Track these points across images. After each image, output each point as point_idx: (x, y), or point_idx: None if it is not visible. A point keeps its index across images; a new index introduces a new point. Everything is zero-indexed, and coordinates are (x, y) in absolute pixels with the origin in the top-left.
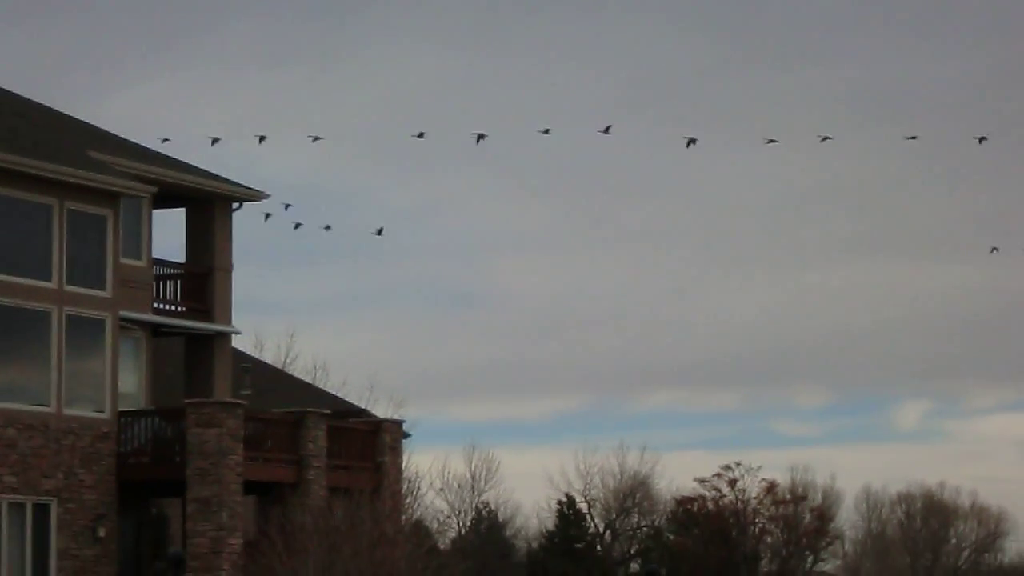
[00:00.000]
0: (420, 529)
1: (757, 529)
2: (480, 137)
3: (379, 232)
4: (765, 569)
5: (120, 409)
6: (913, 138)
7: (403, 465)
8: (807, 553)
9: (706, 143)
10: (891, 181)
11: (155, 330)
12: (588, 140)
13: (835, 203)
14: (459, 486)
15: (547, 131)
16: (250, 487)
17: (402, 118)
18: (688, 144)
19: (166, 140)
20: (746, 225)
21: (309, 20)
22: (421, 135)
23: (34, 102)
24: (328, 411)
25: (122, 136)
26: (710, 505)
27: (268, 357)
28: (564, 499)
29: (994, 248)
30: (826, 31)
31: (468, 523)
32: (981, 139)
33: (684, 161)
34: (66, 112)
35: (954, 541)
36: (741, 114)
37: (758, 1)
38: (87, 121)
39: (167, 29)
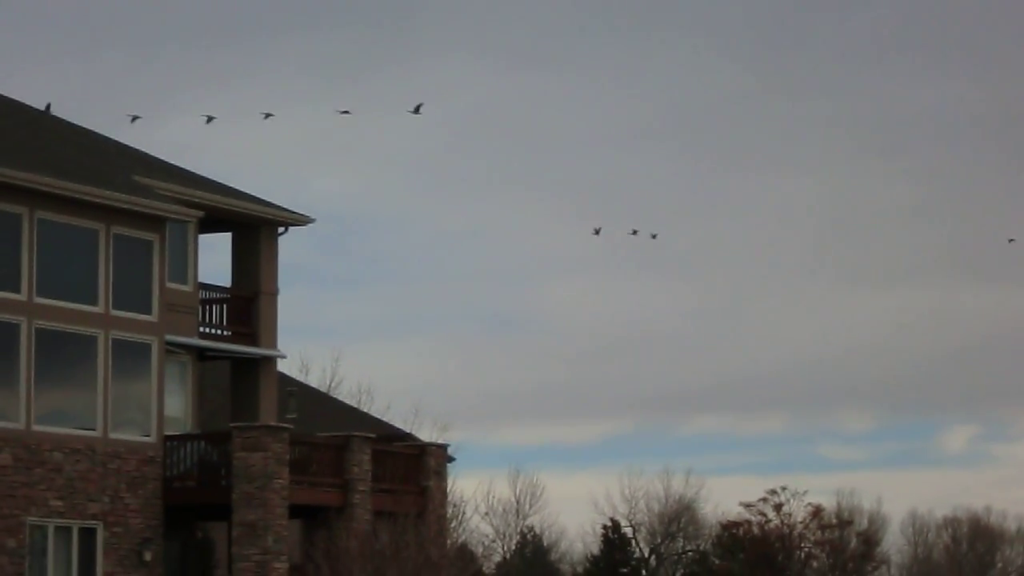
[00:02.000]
0: (465, 553)
1: (803, 554)
2: (417, 108)
3: (417, 109)
4: None
5: (166, 433)
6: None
7: (448, 489)
8: None
9: (761, 163)
10: (949, 203)
11: (201, 354)
12: (634, 161)
13: (895, 226)
14: (504, 510)
15: (417, 108)
16: (295, 511)
17: (451, 141)
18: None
19: (136, 117)
20: (794, 248)
21: (358, 43)
22: (346, 112)
23: (80, 127)
24: (373, 435)
25: (169, 161)
26: (755, 530)
27: (313, 381)
28: (609, 523)
29: (1011, 239)
30: (893, 50)
31: (513, 547)
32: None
33: (735, 184)
34: (113, 137)
35: (1000, 565)
36: (802, 134)
37: (802, 33)
38: (136, 147)
39: (218, 56)
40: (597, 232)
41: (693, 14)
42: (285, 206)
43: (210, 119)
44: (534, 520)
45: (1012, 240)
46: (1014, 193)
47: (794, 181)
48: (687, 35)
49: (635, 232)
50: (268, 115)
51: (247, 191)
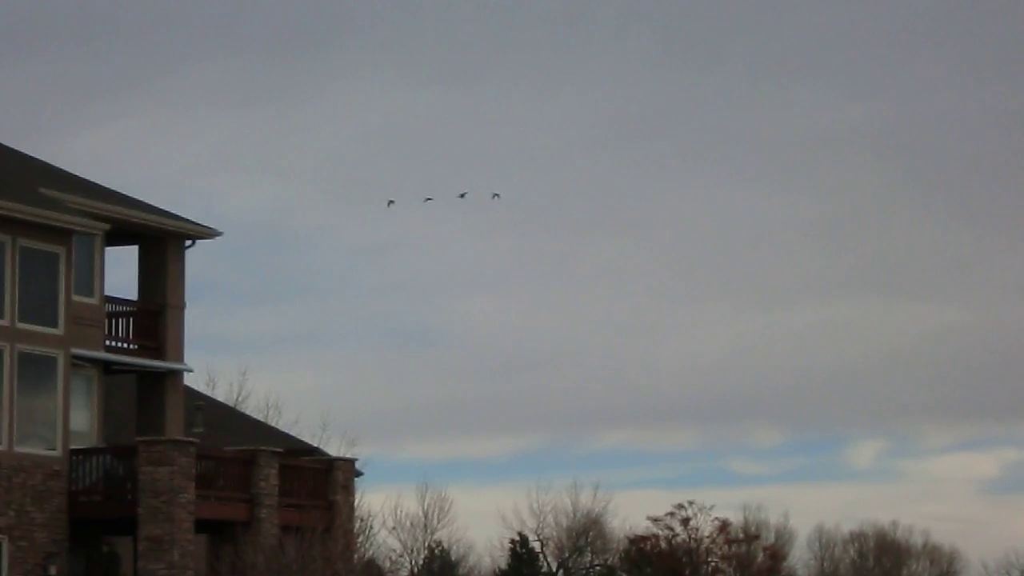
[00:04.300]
0: (372, 568)
1: (710, 568)
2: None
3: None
4: None
5: (72, 447)
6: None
7: (355, 504)
8: None
9: (671, 180)
10: (856, 221)
11: (107, 368)
12: (549, 178)
13: (800, 243)
14: (412, 525)
15: (496, 195)
16: (202, 526)
17: (363, 156)
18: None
19: (390, 203)
20: (707, 264)
21: (272, 61)
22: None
23: None
24: (280, 449)
25: (80, 175)
26: (663, 544)
27: (220, 395)
28: (517, 538)
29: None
30: (802, 73)
31: (421, 562)
32: None
33: (648, 199)
34: (22, 150)
35: None
36: (710, 149)
37: (729, 39)
38: (46, 160)
39: (132, 70)
40: (391, 203)
41: (605, 30)
42: (192, 219)
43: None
44: (442, 535)
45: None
46: (916, 210)
47: (703, 198)
48: (599, 52)
49: (463, 195)
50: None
51: (157, 205)
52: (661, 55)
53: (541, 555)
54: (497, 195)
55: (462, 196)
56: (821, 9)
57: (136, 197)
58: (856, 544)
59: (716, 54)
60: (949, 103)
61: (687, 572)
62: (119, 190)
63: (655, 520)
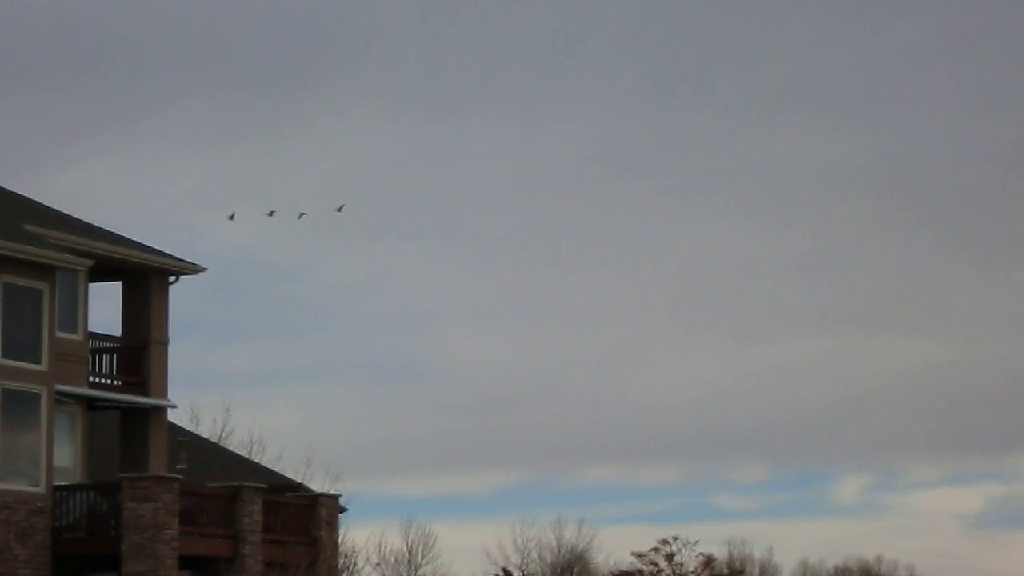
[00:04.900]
0: None
1: None
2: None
3: (339, 209)
4: None
5: (55, 483)
6: None
7: (339, 540)
8: None
9: (657, 215)
10: (843, 255)
11: (91, 404)
12: (535, 212)
13: (782, 278)
14: (396, 561)
15: (340, 208)
16: (186, 562)
17: (348, 192)
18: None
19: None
20: (692, 299)
21: (257, 97)
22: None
23: None
24: (264, 485)
25: (66, 212)
26: None
27: (204, 431)
28: (501, 573)
29: None
30: (801, 98)
31: None
32: None
33: (634, 234)
34: (6, 187)
35: None
36: (696, 185)
37: (716, 73)
38: (30, 196)
39: (116, 107)
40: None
41: (589, 67)
42: (176, 255)
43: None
44: (426, 571)
45: None
46: (902, 245)
47: (688, 232)
48: (585, 86)
49: (302, 215)
50: None
51: (141, 241)
52: (648, 89)
53: None
54: (340, 209)
55: (301, 216)
56: (808, 43)
57: (120, 233)
58: None
59: (703, 88)
60: (936, 137)
61: None
62: (103, 226)
63: (639, 555)
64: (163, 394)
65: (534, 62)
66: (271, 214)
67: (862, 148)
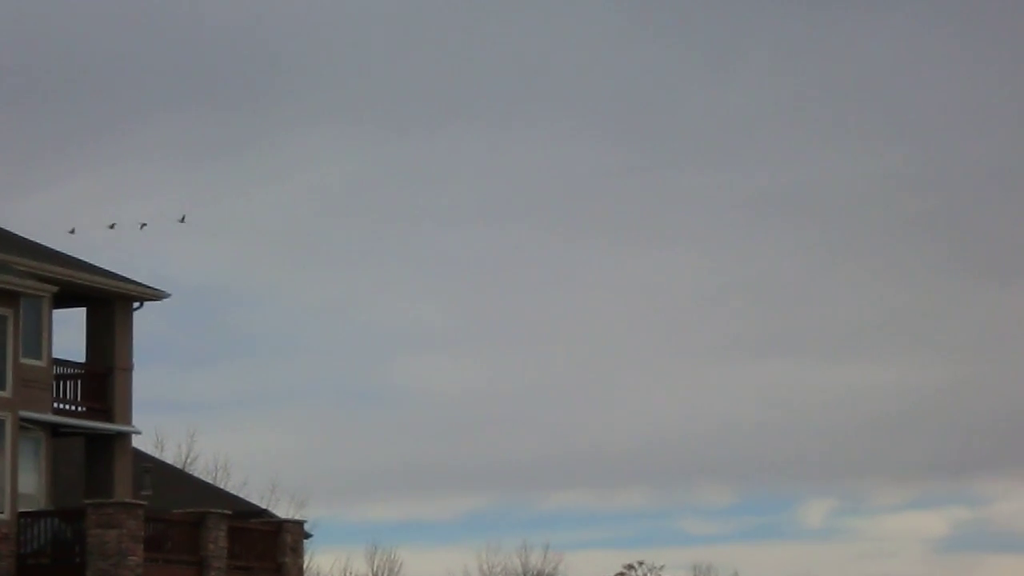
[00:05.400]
0: None
1: None
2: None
3: (182, 220)
4: None
5: (20, 510)
6: None
7: (304, 566)
8: None
9: (615, 240)
10: (797, 281)
11: (55, 430)
12: (499, 234)
13: (744, 302)
14: None
15: (112, 226)
16: None
17: (314, 214)
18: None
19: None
20: (653, 322)
21: (221, 118)
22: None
23: None
24: (229, 512)
25: (29, 238)
26: None
27: (169, 457)
28: None
29: None
30: (732, 133)
31: None
32: None
33: (592, 259)
34: None
35: None
36: (648, 214)
37: (666, 106)
38: None
39: (78, 131)
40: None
41: (563, 87)
42: (141, 281)
43: (112, 226)
44: None
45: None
46: (863, 271)
47: (654, 255)
48: (557, 107)
49: (144, 225)
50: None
51: (105, 267)
52: (619, 109)
53: None
54: (183, 219)
55: (182, 220)
56: (743, 78)
57: (84, 259)
58: None
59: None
60: (867, 165)
61: None
62: (67, 252)
63: None
64: (127, 420)
65: (504, 84)
66: (112, 227)
67: (800, 176)
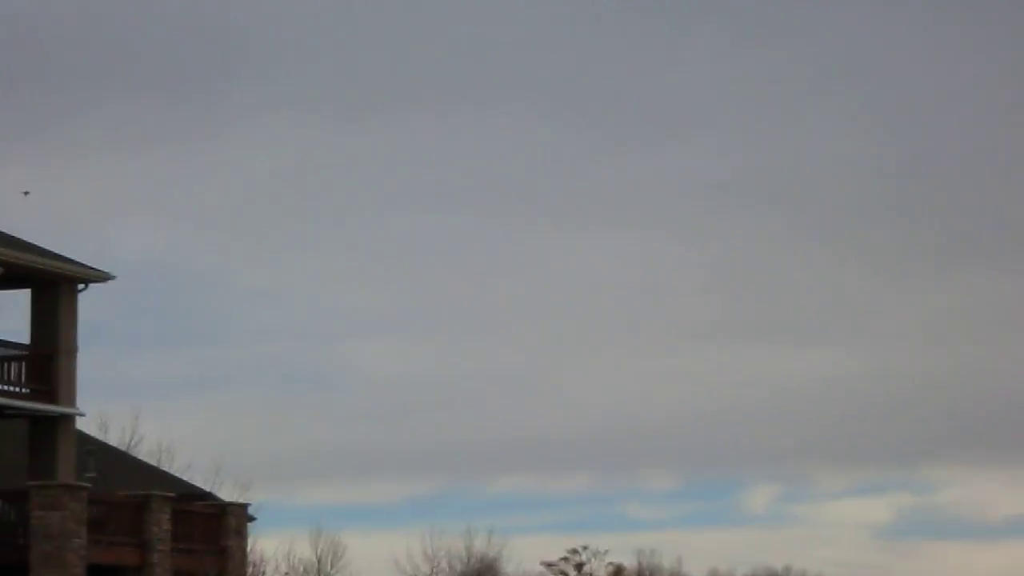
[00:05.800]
0: None
1: None
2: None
3: (26, 193)
4: None
5: None
6: None
7: (248, 549)
8: None
9: (563, 226)
10: (745, 267)
11: None
12: (444, 219)
13: (691, 289)
14: (305, 570)
15: (27, 192)
16: (94, 571)
17: (258, 198)
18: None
19: (27, 192)
20: (599, 309)
21: (168, 104)
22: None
23: None
24: (173, 494)
25: None
26: None
27: (113, 439)
28: None
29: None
30: (694, 113)
31: None
32: None
33: (539, 245)
34: None
35: None
36: (600, 198)
37: (621, 88)
38: None
39: (26, 116)
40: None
41: (512, 72)
42: (86, 263)
43: (27, 193)
44: None
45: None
46: (806, 257)
47: (599, 242)
48: (506, 93)
49: (27, 193)
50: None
51: (50, 248)
52: (563, 97)
53: None
54: (27, 193)
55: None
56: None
57: (29, 241)
58: None
59: (607, 103)
60: (836, 149)
61: None
62: (12, 233)
63: (549, 565)
64: (71, 402)
65: (454, 69)
66: (27, 193)
67: (761, 161)
